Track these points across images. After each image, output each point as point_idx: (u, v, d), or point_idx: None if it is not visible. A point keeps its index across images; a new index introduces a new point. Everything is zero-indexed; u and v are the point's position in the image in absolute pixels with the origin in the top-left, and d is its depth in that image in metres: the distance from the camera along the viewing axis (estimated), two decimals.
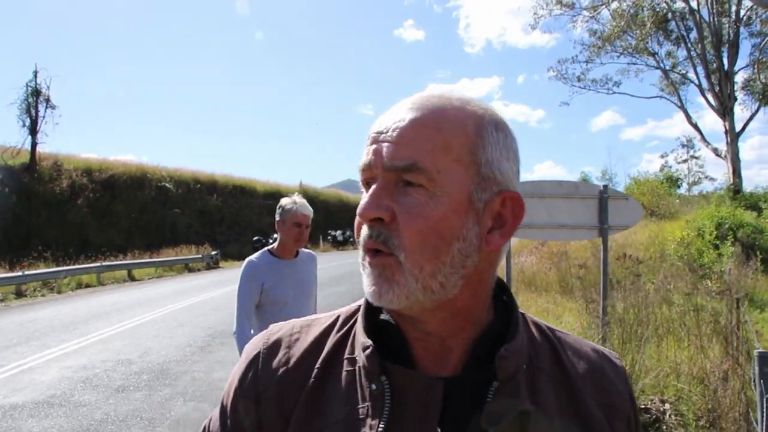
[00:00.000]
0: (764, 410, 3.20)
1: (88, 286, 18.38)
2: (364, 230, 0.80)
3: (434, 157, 0.77)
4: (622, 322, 7.13)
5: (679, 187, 40.04)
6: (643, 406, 6.08)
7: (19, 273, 16.43)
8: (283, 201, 3.48)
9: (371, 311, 0.87)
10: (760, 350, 3.41)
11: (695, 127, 33.86)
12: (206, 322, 10.97)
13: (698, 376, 6.68)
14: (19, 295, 15.80)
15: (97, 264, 19.81)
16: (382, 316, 0.86)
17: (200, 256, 24.95)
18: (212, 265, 25.01)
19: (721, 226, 20.53)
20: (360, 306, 0.91)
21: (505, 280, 0.90)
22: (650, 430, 5.63)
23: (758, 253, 18.13)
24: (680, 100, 33.36)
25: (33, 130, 25.91)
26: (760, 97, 32.45)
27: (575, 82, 33.62)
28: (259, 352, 0.90)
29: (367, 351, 0.81)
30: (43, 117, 26.15)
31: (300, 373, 0.87)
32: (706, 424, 5.86)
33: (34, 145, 26.11)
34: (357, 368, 0.84)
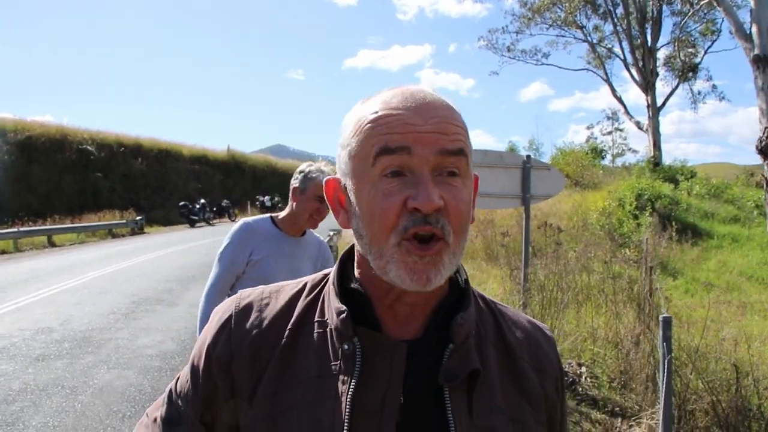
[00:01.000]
0: (665, 370, 3.45)
1: (4, 252, 17.54)
2: (413, 213, 0.82)
3: (467, 147, 0.88)
4: (543, 289, 7.44)
5: (603, 158, 41.51)
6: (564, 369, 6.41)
7: None
8: (305, 166, 2.86)
9: (341, 280, 0.95)
10: (665, 315, 3.65)
11: (619, 100, 35.11)
12: (131, 288, 10.73)
13: (613, 341, 7.07)
14: None
15: (14, 230, 18.88)
16: (353, 285, 0.94)
17: (125, 221, 24.17)
18: (137, 230, 24.31)
19: (641, 197, 21.54)
20: (325, 275, 1.00)
21: None
22: (567, 392, 5.94)
23: (674, 223, 19.19)
24: (606, 74, 34.47)
25: None
26: (680, 73, 33.94)
27: (505, 52, 34.17)
28: (231, 315, 0.96)
29: (342, 315, 0.89)
30: None
31: (272, 334, 0.93)
32: (618, 385, 6.25)
33: None
34: (328, 330, 0.91)
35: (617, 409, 5.59)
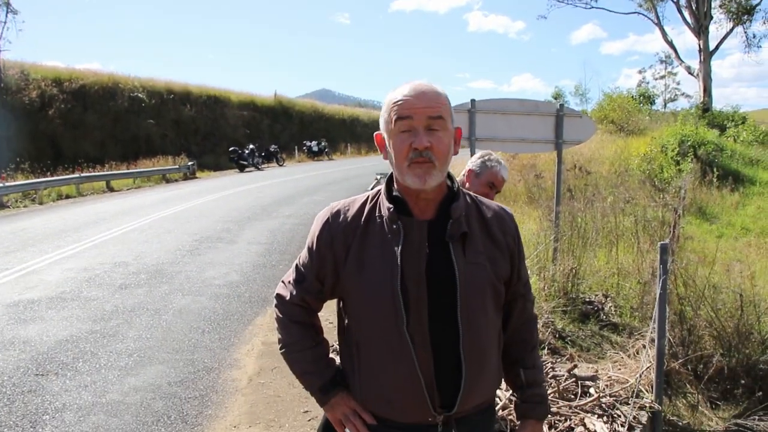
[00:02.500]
0: (660, 289, 4.06)
1: (68, 197, 18.75)
2: (414, 150, 1.57)
3: (446, 112, 1.62)
4: (572, 227, 7.97)
5: (652, 103, 40.62)
6: (588, 300, 7.02)
7: (0, 184, 16.73)
8: (486, 153, 3.23)
9: (389, 192, 1.68)
10: (662, 242, 4.23)
11: (670, 44, 34.23)
12: (192, 228, 11.64)
13: (637, 276, 7.61)
14: (1, 206, 16.17)
15: (76, 175, 20.07)
16: (394, 193, 1.68)
17: (177, 166, 25.23)
18: (189, 175, 25.37)
19: (684, 143, 21.44)
20: (379, 190, 1.73)
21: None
22: (591, 318, 6.55)
23: (715, 169, 19.17)
24: (657, 17, 33.50)
25: None
26: (734, 16, 32.76)
27: None
28: (328, 216, 1.72)
29: (390, 209, 1.65)
30: (5, 23, 25.43)
31: (353, 224, 1.68)
32: (637, 313, 6.84)
33: None
34: (384, 220, 1.65)
35: (635, 332, 6.18)
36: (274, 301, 1.86)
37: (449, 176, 1.70)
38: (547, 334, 5.51)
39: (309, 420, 4.03)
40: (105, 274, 8.01)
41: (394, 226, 1.62)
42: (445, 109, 1.61)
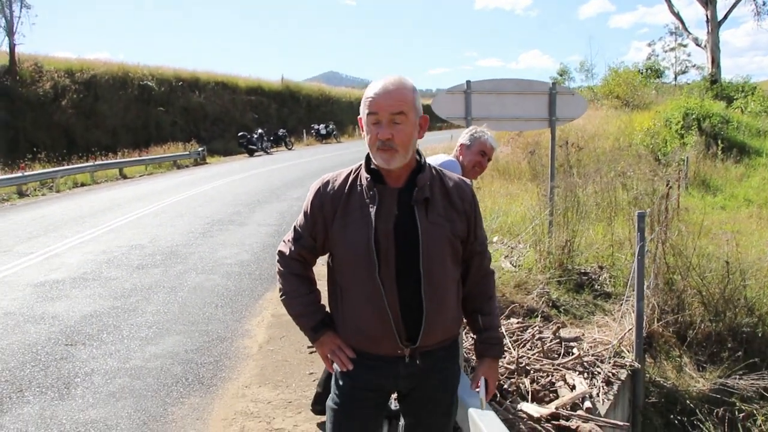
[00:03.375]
0: (638, 255, 4.38)
1: (83, 184, 19.20)
2: (379, 140, 1.93)
3: (407, 107, 1.95)
4: (575, 202, 8.24)
5: (660, 76, 40.31)
6: (583, 271, 7.33)
7: (20, 174, 17.20)
8: (475, 128, 3.60)
9: (368, 165, 2.04)
10: (640, 211, 4.54)
11: (677, 15, 33.97)
12: (203, 212, 12.03)
13: (631, 248, 7.89)
14: (21, 194, 16.65)
15: (91, 163, 20.53)
16: (372, 166, 2.03)
17: (188, 152, 25.64)
18: (200, 161, 25.78)
19: (688, 117, 21.44)
20: (360, 164, 2.07)
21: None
22: (586, 288, 6.86)
23: (720, 141, 19.22)
24: None
25: (10, 31, 25.64)
26: None
27: None
28: (320, 186, 2.09)
29: (368, 179, 2.01)
30: (19, 17, 25.83)
31: (339, 193, 2.05)
32: (631, 284, 7.15)
33: (12, 46, 25.88)
34: (363, 188, 2.01)
35: (625, 300, 6.50)
36: (276, 257, 2.24)
37: (418, 152, 2.06)
38: (541, 303, 5.84)
39: (314, 380, 4.40)
40: (123, 256, 8.42)
41: (371, 193, 2.00)
42: (407, 105, 1.95)
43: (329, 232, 2.06)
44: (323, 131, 37.03)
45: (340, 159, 23.36)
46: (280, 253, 2.21)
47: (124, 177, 21.20)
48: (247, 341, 5.35)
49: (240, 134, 29.21)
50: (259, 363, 4.88)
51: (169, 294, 6.62)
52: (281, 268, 2.20)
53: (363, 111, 1.98)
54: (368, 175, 2.02)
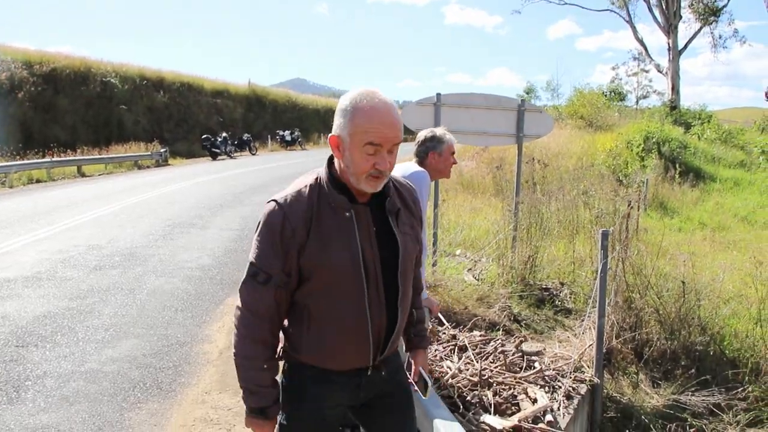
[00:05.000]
0: (600, 272, 4.46)
1: (39, 181, 18.68)
2: (375, 170, 1.80)
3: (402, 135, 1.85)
4: (537, 219, 8.36)
5: (623, 99, 41.38)
6: (545, 286, 7.42)
7: None
8: (433, 132, 3.60)
9: (334, 181, 1.89)
10: (603, 229, 4.63)
11: (641, 42, 35.03)
12: (164, 214, 11.82)
13: (592, 265, 8.04)
14: None
15: (48, 160, 19.99)
16: (340, 183, 1.89)
17: (150, 153, 25.19)
18: (162, 162, 25.35)
19: (649, 140, 22.08)
20: (315, 178, 1.92)
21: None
22: (547, 304, 6.95)
23: (678, 165, 19.82)
24: (628, 14, 34.26)
25: None
26: (702, 16, 33.63)
27: None
28: (284, 211, 1.85)
29: (343, 199, 1.87)
30: None
31: (308, 214, 1.85)
32: (590, 299, 7.27)
33: None
34: (334, 207, 1.86)
35: (586, 316, 6.60)
36: (237, 312, 1.92)
37: None
38: (503, 317, 5.89)
39: None
40: (79, 256, 8.20)
41: (347, 214, 1.87)
42: (401, 133, 1.87)
43: (300, 260, 1.86)
44: (288, 138, 36.85)
45: (305, 166, 23.24)
46: (245, 307, 1.90)
47: (83, 175, 20.71)
48: (207, 346, 5.25)
49: (204, 137, 28.84)
50: (220, 369, 4.79)
51: (128, 296, 6.47)
52: (242, 329, 1.90)
53: (353, 134, 1.80)
54: (343, 198, 1.87)
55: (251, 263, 1.89)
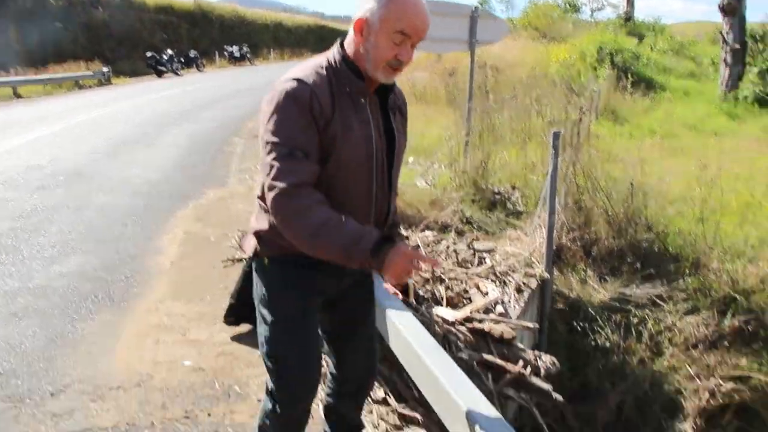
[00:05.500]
0: (551, 171, 4.51)
1: None
2: (396, 60, 1.79)
3: None
4: (490, 125, 8.37)
5: (577, 11, 40.98)
6: (497, 190, 7.51)
7: None
8: None
9: (351, 68, 1.84)
10: (555, 130, 4.65)
11: None
12: (108, 133, 11.36)
13: (543, 169, 8.14)
14: None
15: None
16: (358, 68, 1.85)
17: (91, 73, 24.02)
18: (104, 82, 24.21)
19: (602, 51, 22.06)
20: (329, 60, 1.86)
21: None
22: (499, 207, 7.05)
23: (630, 75, 19.96)
24: None
25: None
26: None
27: None
28: (310, 85, 1.78)
29: (362, 84, 1.85)
30: None
31: (328, 93, 1.80)
32: (541, 202, 7.41)
33: None
34: (349, 91, 1.84)
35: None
36: (280, 201, 1.74)
37: None
38: (455, 219, 5.96)
39: (228, 293, 4.33)
40: (19, 177, 7.87)
41: (363, 100, 1.86)
42: None
43: (324, 140, 1.78)
44: (237, 53, 35.60)
45: (254, 81, 22.62)
46: (291, 186, 1.72)
47: (19, 97, 19.66)
48: (159, 258, 5.19)
49: (149, 55, 27.56)
50: (172, 279, 4.75)
51: (74, 214, 6.28)
52: (300, 202, 1.73)
53: (385, 20, 1.75)
54: (361, 83, 1.84)
55: (280, 145, 1.74)
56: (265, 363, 2.09)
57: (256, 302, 2.08)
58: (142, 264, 5.04)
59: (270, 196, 1.75)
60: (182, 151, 9.73)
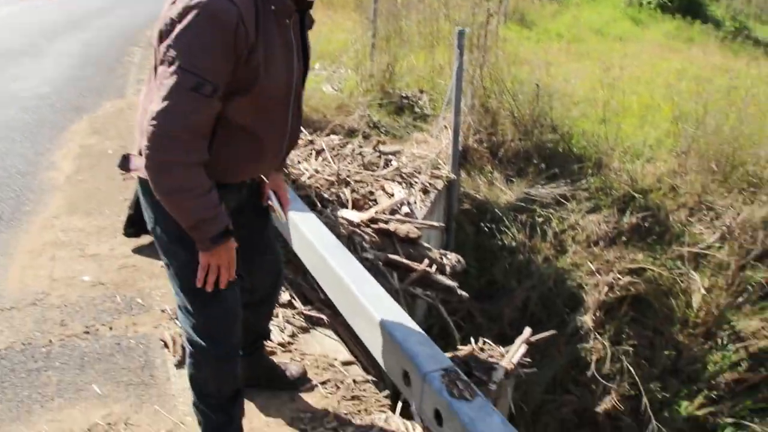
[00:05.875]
0: (456, 70, 4.51)
1: None
2: None
3: None
4: (400, 30, 8.21)
5: None
6: (404, 95, 7.47)
7: None
8: None
9: None
10: (460, 28, 4.62)
11: None
12: None
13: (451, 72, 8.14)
14: None
15: None
16: None
17: None
18: None
19: None
20: None
21: None
22: (406, 111, 7.04)
23: None
24: None
25: None
26: None
27: None
28: (236, 10, 1.52)
29: (290, 3, 1.66)
30: None
31: (252, 15, 1.56)
32: (448, 105, 7.46)
33: None
34: (275, 8, 1.62)
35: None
36: (156, 141, 1.53)
37: None
38: (362, 123, 5.92)
39: (128, 206, 4.19)
40: None
41: (287, 21, 1.67)
42: None
43: (245, 67, 1.58)
44: None
45: None
46: (183, 128, 1.53)
47: None
48: (52, 173, 4.89)
49: None
50: (68, 193, 4.51)
51: None
52: (181, 155, 1.55)
53: None
54: (293, 5, 1.68)
55: (190, 72, 1.49)
56: (181, 305, 1.91)
57: (154, 233, 1.87)
58: (34, 180, 4.74)
59: (151, 125, 1.53)
60: (74, 62, 9.04)
